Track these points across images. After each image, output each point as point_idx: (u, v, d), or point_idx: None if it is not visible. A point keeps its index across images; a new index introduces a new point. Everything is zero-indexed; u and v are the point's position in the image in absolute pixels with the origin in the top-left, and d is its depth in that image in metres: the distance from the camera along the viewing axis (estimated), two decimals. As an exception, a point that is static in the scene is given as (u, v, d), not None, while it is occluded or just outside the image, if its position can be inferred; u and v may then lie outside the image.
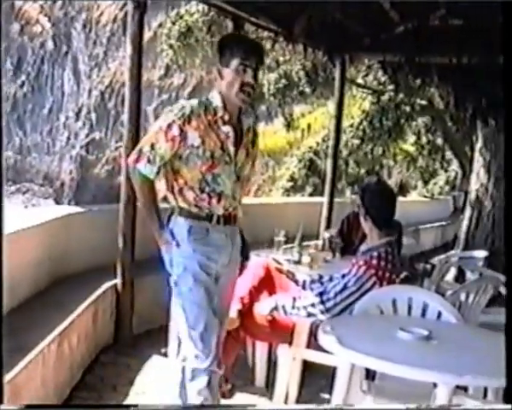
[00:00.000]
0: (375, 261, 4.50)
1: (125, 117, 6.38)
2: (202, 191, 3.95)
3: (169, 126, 3.89)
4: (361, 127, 17.85)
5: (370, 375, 4.01)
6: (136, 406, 4.96)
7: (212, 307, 3.98)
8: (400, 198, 18.56)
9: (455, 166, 21.34)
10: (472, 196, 10.50)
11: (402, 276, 4.61)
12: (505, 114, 3.20)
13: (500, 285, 5.70)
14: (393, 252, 4.59)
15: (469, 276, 7.11)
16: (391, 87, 15.62)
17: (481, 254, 7.81)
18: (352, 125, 17.93)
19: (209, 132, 3.93)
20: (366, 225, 4.71)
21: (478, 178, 10.39)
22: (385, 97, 16.88)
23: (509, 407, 2.78)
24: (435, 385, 3.37)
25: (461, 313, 4.39)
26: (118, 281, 6.36)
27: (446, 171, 22.24)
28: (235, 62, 3.91)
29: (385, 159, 20.25)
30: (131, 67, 6.31)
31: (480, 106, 9.87)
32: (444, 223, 17.33)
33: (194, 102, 3.99)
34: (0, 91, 3.24)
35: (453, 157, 20.72)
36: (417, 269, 11.62)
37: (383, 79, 15.26)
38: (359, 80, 17.21)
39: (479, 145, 10.44)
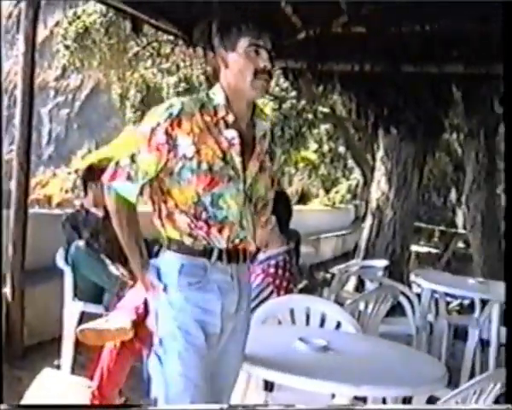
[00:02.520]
0: (272, 270, 4.43)
1: (16, 119, 6.14)
2: (198, 218, 3.04)
3: (153, 131, 2.99)
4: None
5: (268, 386, 3.92)
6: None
7: (207, 383, 3.03)
8: (301, 207, 18.69)
9: (357, 174, 21.58)
10: (373, 204, 10.56)
11: (301, 285, 4.57)
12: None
13: (399, 295, 5.72)
14: (291, 261, 4.55)
15: (369, 285, 7.14)
16: (293, 94, 15.68)
17: (381, 263, 7.88)
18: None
19: (206, 138, 3.01)
20: (270, 233, 4.61)
21: (379, 186, 10.45)
22: (287, 104, 16.94)
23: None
24: (333, 396, 3.32)
25: (360, 323, 4.39)
26: (7, 290, 6.09)
27: (348, 179, 22.50)
28: (243, 43, 3.04)
29: (286, 166, 20.33)
30: (24, 67, 6.09)
31: (381, 114, 9.95)
32: (344, 232, 17.48)
33: (187, 98, 3.11)
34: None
35: (355, 165, 20.95)
36: (317, 278, 11.68)
37: (285, 85, 15.30)
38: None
39: (380, 154, 10.51)
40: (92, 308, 5.72)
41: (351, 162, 21.29)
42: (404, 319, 5.98)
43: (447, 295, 6.99)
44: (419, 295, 6.40)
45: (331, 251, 16.08)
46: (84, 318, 5.61)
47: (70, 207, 6.83)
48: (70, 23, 17.42)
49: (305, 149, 20.69)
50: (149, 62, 20.62)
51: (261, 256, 4.60)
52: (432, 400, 3.33)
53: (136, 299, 4.80)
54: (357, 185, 21.93)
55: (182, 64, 16.72)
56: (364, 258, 9.99)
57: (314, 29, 7.77)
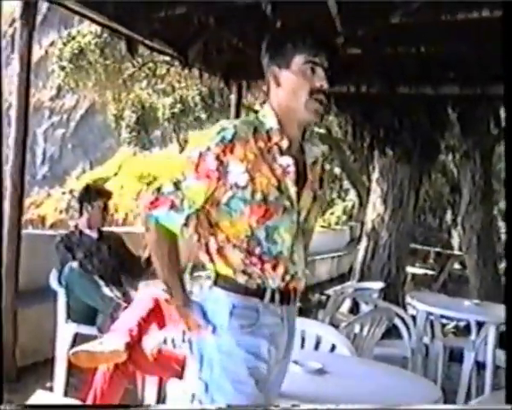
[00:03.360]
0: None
1: (11, 139, 6.12)
2: (252, 253, 2.77)
3: (201, 156, 2.72)
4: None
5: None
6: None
7: None
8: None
9: (352, 195, 21.57)
10: (368, 226, 10.54)
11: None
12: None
13: (394, 317, 5.70)
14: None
15: (364, 308, 7.11)
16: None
17: (377, 285, 7.85)
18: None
19: (261, 166, 2.75)
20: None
21: (374, 208, 10.45)
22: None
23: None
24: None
25: (355, 346, 4.37)
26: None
27: (344, 200, 22.48)
28: (298, 60, 2.80)
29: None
30: (19, 87, 6.09)
31: (377, 135, 9.96)
32: (340, 253, 17.44)
33: (239, 121, 2.86)
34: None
35: (350, 187, 20.95)
36: (312, 300, 11.64)
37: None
38: (257, 107, 17.23)
39: (376, 175, 10.52)
40: (86, 330, 5.68)
41: (346, 184, 21.30)
42: (400, 342, 5.96)
43: (443, 317, 6.97)
44: (414, 318, 6.37)
45: (326, 273, 16.03)
46: (77, 339, 5.58)
47: (64, 228, 6.80)
48: (65, 44, 17.45)
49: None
50: (145, 83, 20.65)
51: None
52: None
53: (129, 321, 4.78)
54: (352, 207, 21.91)
55: (177, 85, 16.75)
56: (360, 280, 9.97)
57: (310, 50, 7.75)
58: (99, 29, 15.91)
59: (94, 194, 6.26)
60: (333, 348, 4.07)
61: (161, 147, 30.65)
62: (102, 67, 16.41)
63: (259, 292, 2.79)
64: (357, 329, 4.95)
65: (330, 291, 8.25)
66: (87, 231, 6.12)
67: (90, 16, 7.03)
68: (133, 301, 5.33)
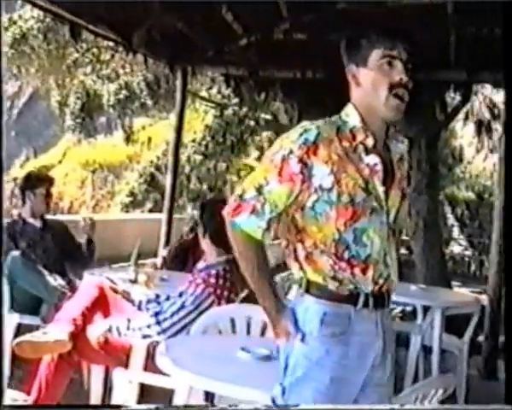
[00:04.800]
0: (213, 280, 4.37)
1: None
2: (340, 258, 2.71)
3: (284, 160, 2.65)
4: (204, 143, 17.80)
5: (210, 397, 3.86)
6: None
7: None
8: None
9: (299, 183, 21.61)
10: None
11: (243, 294, 4.51)
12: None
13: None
14: (232, 270, 4.47)
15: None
16: (235, 101, 15.64)
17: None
18: (194, 141, 17.84)
19: (346, 166, 2.68)
20: (204, 243, 4.58)
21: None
22: (228, 111, 16.89)
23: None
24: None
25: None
26: None
27: (290, 187, 22.51)
28: (375, 55, 2.75)
29: (228, 174, 20.28)
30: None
31: (323, 121, 9.94)
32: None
33: (321, 122, 2.74)
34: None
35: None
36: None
37: (227, 92, 15.25)
38: (203, 93, 17.16)
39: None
40: (29, 320, 5.59)
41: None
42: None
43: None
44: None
45: (274, 259, 16.02)
46: (20, 330, 5.48)
47: (7, 217, 6.69)
48: (6, 28, 17.15)
49: (247, 156, 20.67)
50: (89, 69, 20.42)
51: (201, 265, 4.56)
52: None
53: (73, 310, 4.71)
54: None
55: (122, 71, 16.59)
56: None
57: (255, 36, 7.73)
58: (41, 14, 15.66)
59: (35, 181, 6.16)
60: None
61: (106, 134, 30.39)
62: (45, 53, 16.18)
63: (352, 298, 2.72)
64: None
65: (277, 278, 8.22)
66: (30, 220, 6.03)
67: (33, 0, 6.90)
68: (77, 289, 5.26)
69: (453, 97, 11.89)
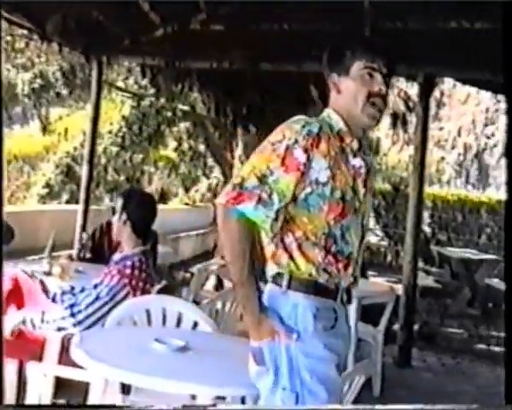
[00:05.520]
0: (128, 271, 4.34)
1: None
2: (328, 251, 2.77)
3: (289, 149, 2.69)
4: (120, 134, 17.61)
5: (126, 389, 3.84)
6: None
7: None
8: (160, 206, 18.57)
9: (217, 173, 21.54)
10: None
11: (160, 285, 4.50)
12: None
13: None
14: (148, 261, 4.47)
15: (228, 284, 7.12)
16: (152, 91, 15.54)
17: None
18: (110, 132, 17.63)
19: (340, 163, 2.79)
20: (122, 233, 4.53)
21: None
22: (145, 102, 16.77)
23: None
24: (194, 397, 3.29)
25: (218, 322, 4.37)
26: None
27: (208, 178, 22.44)
28: (356, 67, 2.87)
29: (145, 165, 20.13)
30: None
31: (240, 112, 9.97)
32: (204, 231, 17.46)
33: (314, 118, 2.85)
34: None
35: (215, 164, 20.92)
36: (177, 278, 11.61)
37: (144, 82, 15.13)
38: (119, 83, 16.98)
39: (239, 152, 10.54)
40: None
41: (211, 161, 21.26)
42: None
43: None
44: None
45: (191, 250, 16.04)
46: None
47: None
48: None
49: (165, 147, 20.56)
50: (3, 57, 19.95)
51: (116, 257, 4.51)
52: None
53: None
54: (217, 184, 21.90)
55: (37, 59, 16.29)
56: (223, 257, 9.96)
57: (172, 26, 7.68)
58: None
59: None
60: (195, 325, 4.06)
61: (22, 124, 29.84)
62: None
63: (334, 292, 2.80)
64: (219, 305, 4.95)
65: (194, 269, 8.23)
66: None
67: None
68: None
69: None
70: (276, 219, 2.73)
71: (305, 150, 2.70)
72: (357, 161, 2.85)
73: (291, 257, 2.77)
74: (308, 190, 2.74)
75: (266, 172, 2.68)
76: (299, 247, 2.76)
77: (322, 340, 2.73)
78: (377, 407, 2.76)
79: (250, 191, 2.66)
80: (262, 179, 2.67)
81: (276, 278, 2.80)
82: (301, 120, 2.79)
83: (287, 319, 2.74)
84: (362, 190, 2.86)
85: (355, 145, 2.86)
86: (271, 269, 2.83)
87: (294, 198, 2.74)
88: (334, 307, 2.81)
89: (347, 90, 2.89)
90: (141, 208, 4.57)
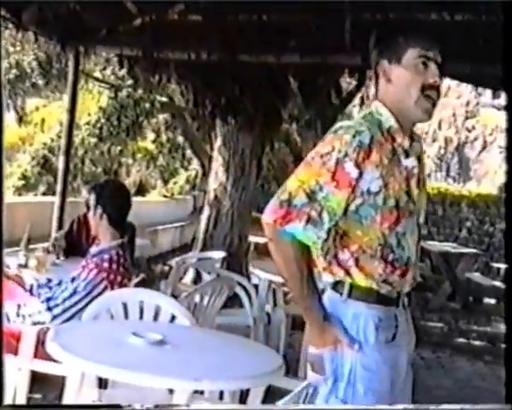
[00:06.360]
0: (106, 264, 4.30)
1: None
2: (387, 261, 2.67)
3: (339, 163, 2.54)
4: (98, 125, 17.50)
5: (103, 383, 3.82)
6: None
7: None
8: (138, 198, 18.51)
9: (195, 164, 21.52)
10: (210, 195, 10.51)
11: (138, 279, 4.47)
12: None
13: (235, 286, 5.70)
14: (125, 254, 4.43)
15: (206, 277, 7.09)
16: (130, 82, 15.45)
17: (219, 254, 7.86)
18: (88, 123, 17.53)
19: (393, 170, 2.64)
20: (99, 226, 4.48)
21: (217, 177, 10.42)
22: (123, 93, 16.68)
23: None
24: (171, 391, 3.22)
25: (196, 316, 4.35)
26: None
27: (187, 170, 22.41)
28: (411, 54, 2.70)
29: (123, 157, 20.04)
30: None
31: (219, 104, 9.93)
32: (183, 223, 17.41)
33: (366, 122, 2.67)
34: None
35: (193, 156, 20.88)
36: (155, 271, 11.57)
37: (122, 73, 15.03)
38: (97, 74, 16.86)
39: (218, 144, 10.48)
40: None
41: (189, 153, 21.22)
42: (243, 311, 5.97)
43: (285, 285, 7.01)
44: (257, 286, 6.39)
45: (169, 243, 15.98)
46: None
47: None
48: None
49: (143, 139, 20.47)
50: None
51: (94, 250, 4.47)
52: (272, 390, 3.29)
53: None
54: (196, 176, 21.87)
55: (12, 49, 16.15)
56: (202, 249, 9.95)
57: (150, 16, 7.62)
58: None
59: None
60: (173, 318, 4.01)
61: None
62: None
63: (396, 300, 2.72)
64: (197, 299, 4.91)
65: (172, 262, 8.18)
66: None
67: None
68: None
69: (349, 82, 12.04)
70: (326, 239, 2.63)
71: (357, 164, 2.55)
72: (409, 162, 2.71)
73: (348, 273, 2.67)
74: (359, 201, 2.61)
75: (316, 187, 2.54)
76: (357, 262, 2.66)
77: (382, 353, 2.66)
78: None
79: (299, 209, 2.53)
80: (311, 196, 2.53)
81: (336, 285, 2.71)
82: (351, 128, 2.62)
83: (349, 328, 2.66)
84: (416, 191, 2.73)
85: (406, 144, 2.72)
86: (328, 277, 2.74)
87: (345, 212, 2.61)
88: (396, 314, 2.73)
89: (399, 80, 2.73)
90: (115, 200, 4.53)
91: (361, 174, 2.56)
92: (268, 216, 2.57)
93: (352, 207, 2.61)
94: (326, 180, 2.53)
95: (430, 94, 2.70)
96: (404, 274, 2.71)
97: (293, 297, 2.78)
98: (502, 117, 22.70)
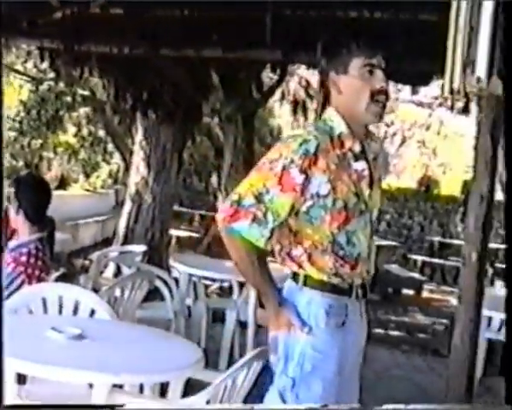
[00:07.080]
0: (24, 258, 4.26)
1: None
2: (338, 256, 2.83)
3: (285, 169, 2.72)
4: (18, 118, 17.24)
5: (22, 379, 3.77)
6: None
7: None
8: (60, 192, 18.28)
9: (117, 158, 21.33)
10: (132, 189, 10.45)
11: (58, 273, 4.44)
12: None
13: (155, 279, 5.72)
14: (44, 249, 4.40)
15: (126, 271, 7.07)
16: (51, 75, 15.25)
17: (139, 248, 7.85)
18: (8, 117, 17.24)
19: (341, 174, 2.80)
20: (17, 220, 4.45)
21: (138, 171, 10.38)
22: (44, 86, 16.46)
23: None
24: (91, 385, 3.23)
25: (116, 310, 4.35)
26: None
27: (109, 164, 22.19)
28: (356, 64, 2.83)
29: (44, 151, 19.75)
30: None
31: (140, 98, 9.89)
32: (105, 217, 17.26)
33: (315, 131, 2.83)
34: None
35: (115, 150, 20.70)
36: (76, 265, 11.45)
37: (43, 66, 14.83)
38: (18, 66, 16.59)
39: (139, 138, 10.44)
40: None
41: (111, 147, 21.03)
42: (163, 304, 5.98)
43: (206, 278, 7.06)
44: (178, 280, 6.42)
45: (91, 237, 15.83)
46: None
47: None
48: None
49: (64, 132, 20.21)
50: None
51: (12, 244, 4.41)
52: (191, 383, 3.33)
53: None
54: (118, 170, 21.70)
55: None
56: (123, 243, 9.90)
57: (71, 9, 7.54)
58: None
59: None
60: (92, 312, 4.01)
61: None
62: None
63: (347, 290, 2.87)
64: (118, 292, 4.91)
65: (93, 256, 8.12)
66: None
67: None
68: None
69: (271, 77, 12.11)
70: (269, 238, 2.78)
71: (302, 170, 2.72)
72: (359, 165, 2.87)
73: (301, 267, 2.86)
74: (309, 203, 2.78)
75: (263, 190, 2.72)
76: (310, 257, 2.84)
77: (332, 336, 2.84)
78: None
79: (246, 209, 2.72)
80: (258, 198, 2.72)
81: (294, 275, 2.89)
82: (299, 137, 2.80)
83: (302, 313, 2.83)
84: (367, 192, 2.89)
85: (357, 148, 2.86)
86: (286, 269, 2.94)
87: (296, 212, 2.79)
88: (347, 304, 2.89)
89: (348, 89, 2.87)
90: (32, 195, 4.49)
91: (309, 179, 2.73)
92: (220, 214, 2.80)
93: (303, 208, 2.79)
94: (272, 184, 2.73)
95: (379, 98, 2.85)
96: (353, 268, 2.88)
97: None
98: (420, 113, 23.08)
